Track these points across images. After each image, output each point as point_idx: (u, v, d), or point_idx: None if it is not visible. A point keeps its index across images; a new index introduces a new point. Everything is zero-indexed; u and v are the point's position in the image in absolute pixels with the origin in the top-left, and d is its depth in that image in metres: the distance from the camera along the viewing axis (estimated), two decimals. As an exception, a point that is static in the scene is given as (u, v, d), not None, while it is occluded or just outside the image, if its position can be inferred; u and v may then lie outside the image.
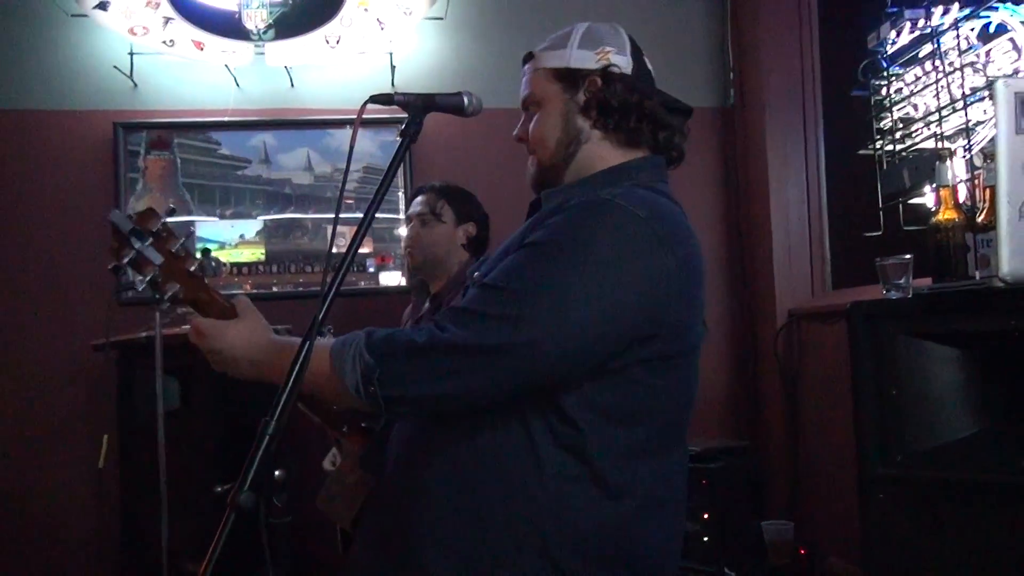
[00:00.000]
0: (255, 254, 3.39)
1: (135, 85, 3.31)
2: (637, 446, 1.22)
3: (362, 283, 3.42)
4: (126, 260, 1.17)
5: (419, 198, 2.58)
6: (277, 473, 1.02)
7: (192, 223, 3.34)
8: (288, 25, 3.31)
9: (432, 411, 1.21)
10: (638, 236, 1.19)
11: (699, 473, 2.75)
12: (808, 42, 3.46)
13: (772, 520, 2.95)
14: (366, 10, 3.34)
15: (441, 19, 3.43)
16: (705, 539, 2.73)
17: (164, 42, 3.23)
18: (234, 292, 3.29)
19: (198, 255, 1.22)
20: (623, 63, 1.40)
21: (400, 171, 3.37)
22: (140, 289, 1.20)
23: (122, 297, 3.13)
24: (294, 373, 1.07)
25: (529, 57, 1.45)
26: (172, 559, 2.40)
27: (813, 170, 3.46)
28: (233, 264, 3.37)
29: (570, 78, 1.39)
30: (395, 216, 3.43)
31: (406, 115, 1.29)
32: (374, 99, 1.29)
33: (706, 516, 2.76)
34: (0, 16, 3.29)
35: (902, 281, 1.92)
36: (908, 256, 1.97)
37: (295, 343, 1.11)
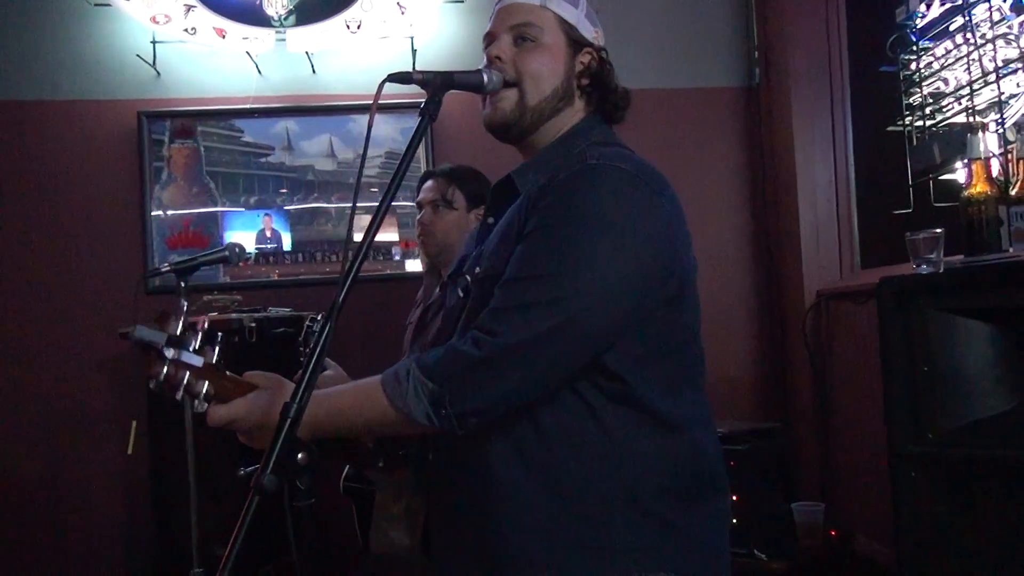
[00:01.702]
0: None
1: (158, 74, 3.33)
2: (676, 378, 1.28)
3: (388, 271, 3.42)
4: (164, 375, 1.13)
5: (428, 183, 2.55)
6: (300, 456, 1.02)
7: (218, 213, 3.36)
8: (309, 11, 3.32)
9: (505, 412, 1.22)
10: (635, 190, 1.23)
11: (728, 455, 2.71)
12: (835, 17, 3.39)
13: (802, 502, 2.93)
14: (386, -6, 3.33)
15: (461, 2, 3.41)
16: (734, 521, 2.70)
17: (186, 30, 3.24)
18: (261, 281, 3.32)
19: (216, 349, 1.18)
20: (606, 52, 1.42)
21: (421, 157, 3.39)
22: (179, 398, 1.17)
23: (149, 285, 3.16)
24: (315, 355, 1.07)
25: None
26: (203, 544, 2.43)
27: (841, 148, 3.41)
28: (259, 253, 3.38)
29: (574, 38, 1.38)
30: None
31: (420, 110, 1.26)
32: (392, 78, 1.27)
33: (735, 498, 2.72)
34: (24, 7, 3.31)
35: (933, 255, 1.89)
36: (939, 230, 1.93)
37: (319, 395, 1.15)
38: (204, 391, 1.17)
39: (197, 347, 1.17)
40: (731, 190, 3.60)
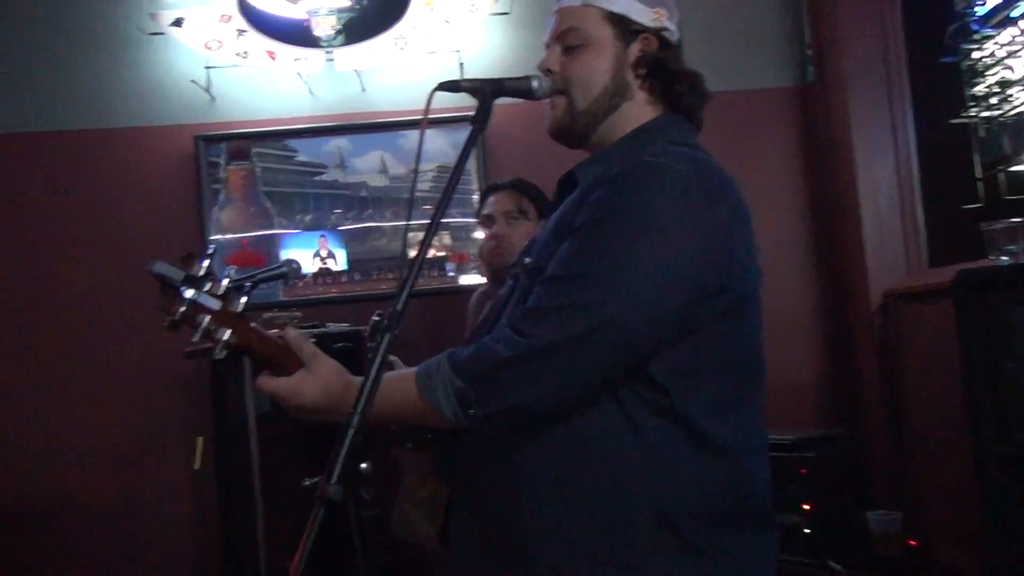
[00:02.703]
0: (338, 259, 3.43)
1: (212, 98, 3.38)
2: (726, 398, 1.20)
3: (441, 285, 3.42)
4: (180, 313, 1.10)
5: (495, 197, 2.54)
6: (363, 466, 1.00)
7: (276, 235, 3.40)
8: (356, 30, 3.35)
9: (534, 417, 1.17)
10: (689, 193, 1.16)
11: (797, 462, 2.66)
12: (890, 9, 3.31)
13: (878, 511, 2.83)
14: (432, 9, 3.35)
15: (507, 14, 3.41)
16: (807, 531, 2.62)
17: (238, 54, 3.30)
18: (319, 299, 3.34)
19: (243, 299, 1.15)
20: (673, 30, 1.35)
21: (472, 171, 3.39)
22: (196, 341, 1.13)
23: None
24: (376, 365, 1.06)
25: None
26: (270, 557, 2.44)
27: (903, 144, 3.31)
28: (316, 275, 3.41)
29: (624, 27, 1.32)
30: (470, 220, 3.41)
31: (471, 118, 1.25)
32: (442, 87, 1.27)
33: (806, 507, 2.65)
34: (82, 39, 3.40)
35: (1013, 246, 1.80)
36: (1019, 219, 1.85)
37: (355, 382, 1.13)
38: (225, 339, 1.13)
39: (220, 293, 1.13)
40: (788, 193, 3.52)
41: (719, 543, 1.17)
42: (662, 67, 1.31)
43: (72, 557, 3.23)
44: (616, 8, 1.32)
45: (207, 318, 1.12)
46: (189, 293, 1.10)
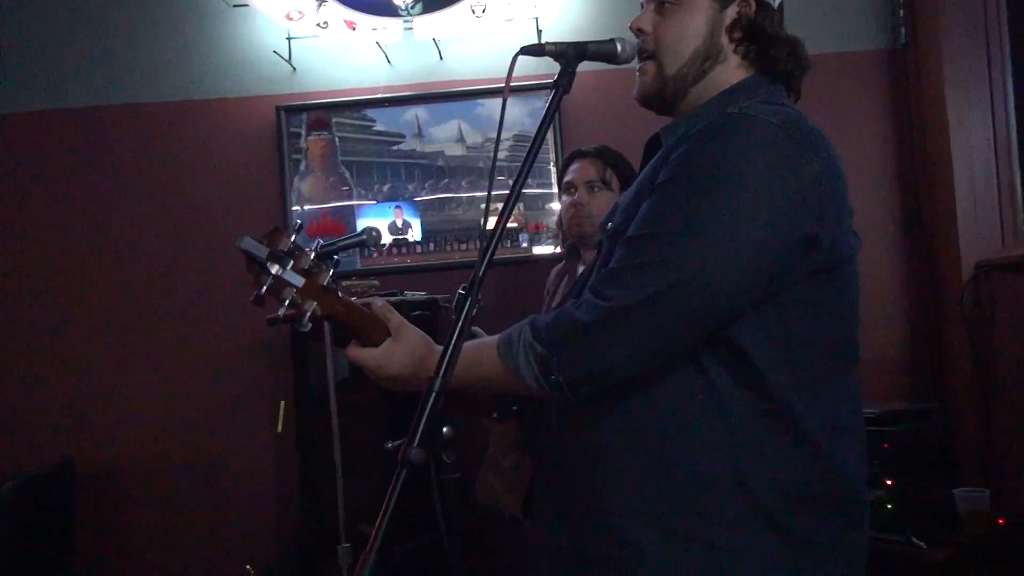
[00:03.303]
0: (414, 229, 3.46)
1: (294, 69, 3.43)
2: (815, 371, 1.15)
3: (516, 255, 3.42)
4: (265, 288, 1.12)
5: (578, 164, 2.51)
6: (445, 429, 1.01)
7: (354, 205, 3.45)
8: (435, -2, 3.34)
9: (619, 380, 1.15)
10: (777, 145, 1.11)
11: (880, 437, 2.58)
12: (990, -35, 3.15)
13: (965, 487, 2.74)
14: (510, -24, 3.31)
15: (586, -21, 3.36)
16: (889, 507, 2.56)
17: (318, 24, 3.32)
18: (396, 267, 3.38)
19: (330, 271, 1.17)
20: None
21: (550, 140, 3.36)
22: (281, 315, 1.14)
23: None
24: (457, 329, 1.07)
25: None
26: (349, 520, 2.50)
27: (1000, 109, 3.15)
28: (392, 245, 3.44)
29: None
30: (546, 191, 3.39)
31: (554, 82, 1.23)
32: (525, 51, 1.25)
33: (889, 483, 2.58)
34: (166, 12, 3.48)
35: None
36: None
37: (438, 349, 1.14)
38: (311, 312, 1.14)
39: (306, 267, 1.14)
40: (875, 159, 3.40)
41: (804, 524, 1.13)
42: (759, 31, 1.26)
43: (162, 514, 3.37)
44: None
45: (292, 291, 1.14)
46: (274, 269, 1.12)
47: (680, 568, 1.13)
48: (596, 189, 2.44)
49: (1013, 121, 3.14)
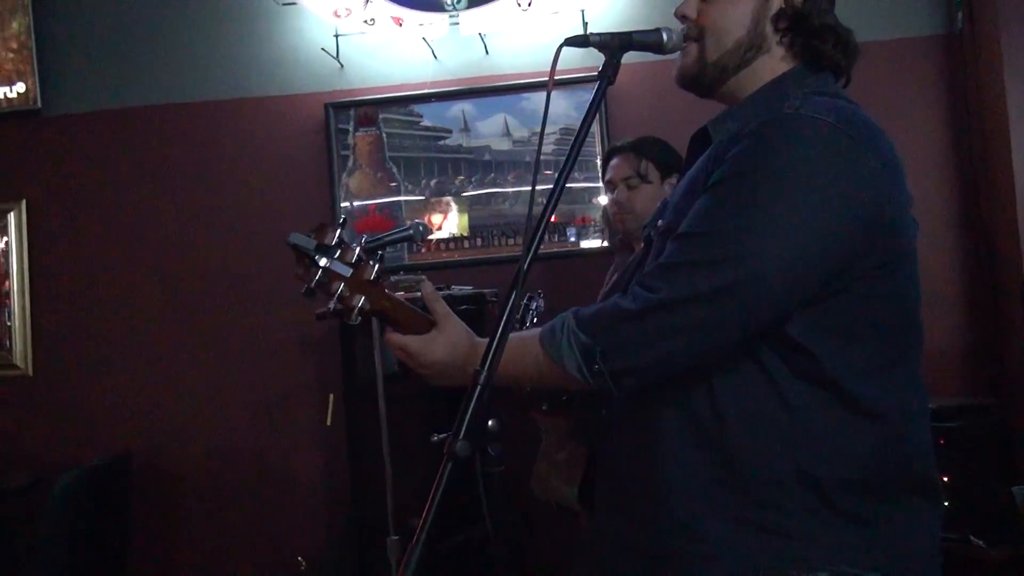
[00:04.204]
0: (460, 224, 3.47)
1: (341, 66, 3.46)
2: (878, 359, 1.14)
3: (564, 248, 3.41)
4: (316, 280, 1.15)
5: (614, 161, 2.49)
6: (491, 423, 1.02)
7: (400, 202, 3.47)
8: (481, -8, 3.34)
9: (662, 375, 1.15)
10: (835, 144, 1.10)
11: (936, 432, 2.52)
12: (1052, -53, 3.05)
13: (1024, 485, 2.67)
14: (556, -31, 3.30)
15: (632, -30, 3.34)
16: (947, 504, 2.50)
17: (365, 21, 3.36)
18: (443, 262, 3.40)
19: (376, 266, 1.19)
20: None
21: (596, 133, 3.35)
22: (332, 308, 1.17)
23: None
24: (502, 322, 1.06)
25: None
26: (397, 512, 2.53)
27: (1062, 95, 3.06)
28: (439, 240, 3.46)
29: None
30: (593, 184, 3.37)
31: (599, 73, 1.22)
32: (569, 42, 1.24)
33: (946, 479, 2.53)
34: (217, 11, 3.55)
35: None
36: None
37: (480, 343, 1.14)
38: (360, 305, 1.16)
39: (353, 260, 1.16)
40: (931, 149, 3.32)
41: (873, 510, 1.12)
42: (804, 22, 1.24)
43: (214, 505, 3.45)
44: None
45: (341, 285, 1.16)
46: (323, 262, 1.15)
47: (755, 558, 1.12)
48: (634, 185, 2.42)
49: (1077, 109, 3.04)
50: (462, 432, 0.99)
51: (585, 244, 3.41)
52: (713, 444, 1.15)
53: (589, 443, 1.65)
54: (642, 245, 1.34)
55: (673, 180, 2.41)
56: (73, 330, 3.52)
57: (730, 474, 1.14)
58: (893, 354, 1.16)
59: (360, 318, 1.18)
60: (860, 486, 1.12)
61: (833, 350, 1.12)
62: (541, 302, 1.79)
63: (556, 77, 1.22)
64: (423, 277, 2.93)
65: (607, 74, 1.22)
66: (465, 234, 3.46)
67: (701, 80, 1.29)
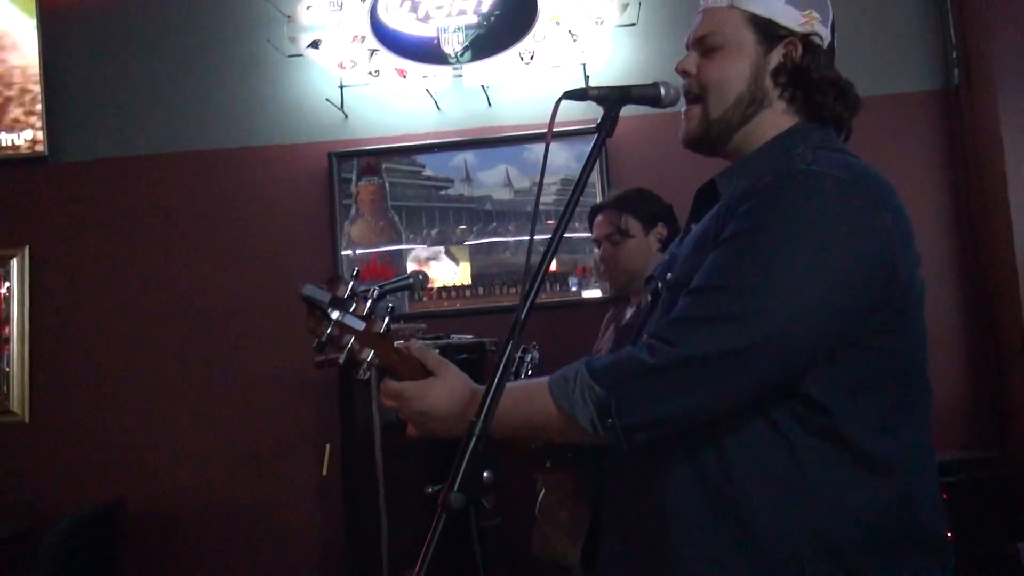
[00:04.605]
0: (462, 272, 3.48)
1: (346, 116, 3.51)
2: (890, 414, 1.13)
3: (565, 298, 3.42)
4: (327, 334, 1.14)
5: (597, 219, 2.52)
6: (485, 474, 1.01)
7: (403, 251, 3.49)
8: (483, 46, 3.40)
9: (676, 431, 1.13)
10: (849, 201, 1.10)
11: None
12: (1046, 5, 3.10)
13: (1030, 541, 2.64)
14: (558, 23, 3.37)
15: (633, 25, 3.38)
16: (951, 560, 2.46)
17: (370, 73, 3.41)
18: (444, 311, 3.40)
19: (386, 319, 1.18)
20: (824, 34, 1.28)
21: (596, 184, 3.37)
22: (341, 361, 1.16)
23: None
24: (499, 372, 1.06)
25: None
26: (393, 563, 2.49)
27: (1058, 150, 3.09)
28: (440, 288, 3.47)
29: (769, 31, 1.25)
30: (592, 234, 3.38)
31: (597, 125, 1.24)
32: (568, 95, 1.26)
33: (949, 535, 2.49)
34: (226, 62, 3.60)
35: None
36: None
37: (481, 391, 1.09)
38: (369, 359, 1.15)
39: (365, 314, 1.15)
40: (931, 202, 3.33)
41: (883, 568, 1.10)
42: (804, 76, 1.25)
43: (208, 554, 3.39)
44: (761, 11, 1.26)
45: (352, 339, 1.15)
46: (335, 315, 1.14)
47: None
48: (617, 241, 2.44)
49: (1073, 162, 3.07)
50: (456, 483, 0.98)
51: (587, 294, 3.42)
52: (723, 503, 1.13)
53: (593, 502, 1.62)
54: (648, 298, 1.33)
55: (660, 230, 2.42)
56: (71, 377, 3.51)
57: (742, 534, 1.12)
58: (903, 410, 1.15)
59: (368, 373, 1.16)
60: (872, 546, 1.10)
61: (846, 406, 1.11)
62: (536, 354, 1.78)
63: (557, 129, 1.23)
64: (422, 325, 2.94)
65: (605, 126, 1.24)
66: (467, 283, 3.47)
67: (707, 139, 1.30)
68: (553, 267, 3.41)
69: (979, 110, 3.22)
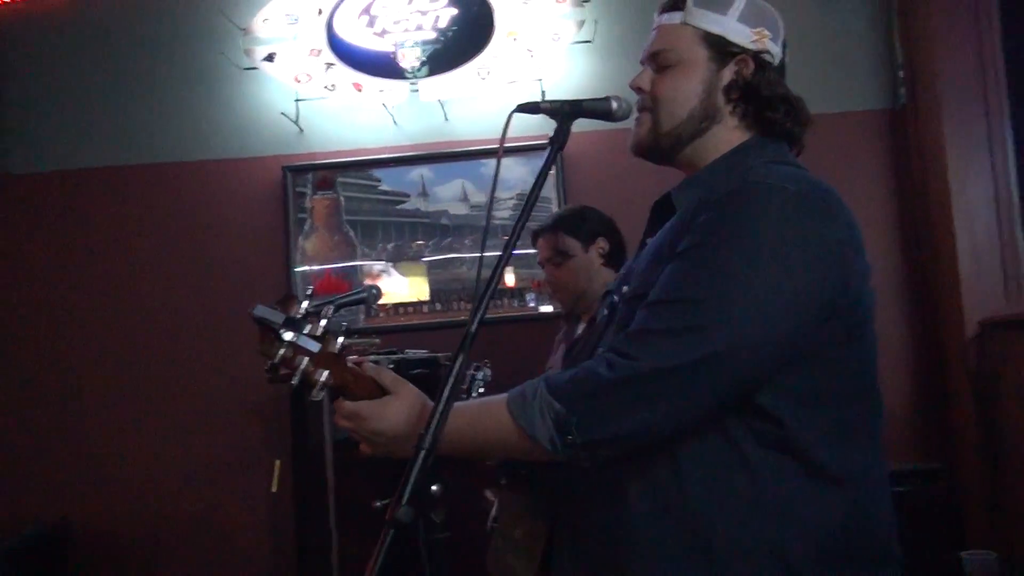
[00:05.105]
0: (419, 287, 3.47)
1: (301, 130, 3.49)
2: (842, 426, 1.14)
3: (521, 312, 3.42)
4: (280, 357, 1.10)
5: (539, 243, 2.54)
6: (434, 488, 1.00)
7: (356, 266, 3.47)
8: (440, 61, 3.41)
9: (638, 446, 1.12)
10: (803, 213, 1.12)
11: (886, 498, 2.54)
12: (988, 27, 3.19)
13: (972, 550, 2.69)
14: (515, 40, 3.39)
15: (589, 42, 3.42)
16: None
17: (326, 87, 3.40)
18: (399, 325, 3.39)
19: (340, 339, 1.14)
20: (775, 52, 1.31)
21: (552, 197, 3.39)
22: (295, 383, 1.12)
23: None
24: (448, 385, 1.06)
25: (673, 7, 1.33)
26: (343, 579, 2.47)
27: (1001, 168, 3.18)
28: (398, 304, 3.45)
29: (721, 48, 1.28)
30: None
31: (550, 139, 1.25)
32: (521, 108, 1.27)
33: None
34: (181, 74, 3.56)
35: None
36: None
37: (457, 407, 1.08)
38: (323, 380, 1.12)
39: (319, 334, 1.12)
40: (878, 218, 3.41)
41: None
42: (755, 92, 1.28)
43: (158, 569, 3.33)
44: (714, 28, 1.29)
45: (305, 360, 1.11)
46: (288, 336, 1.10)
47: None
48: (558, 262, 2.46)
49: (1014, 180, 3.17)
50: (405, 498, 0.98)
51: (544, 308, 3.42)
52: (678, 516, 1.13)
53: (549, 519, 1.61)
54: (604, 312, 1.34)
55: (601, 244, 2.45)
56: (10, 393, 3.43)
57: (697, 549, 1.12)
58: (856, 421, 1.16)
59: (322, 394, 1.13)
60: (832, 558, 1.11)
61: (800, 417, 1.11)
62: (488, 371, 1.77)
63: (512, 144, 1.25)
64: (376, 340, 2.92)
65: (558, 140, 1.25)
66: (424, 298, 3.46)
67: (655, 149, 1.32)
68: (511, 283, 3.42)
69: (924, 129, 3.30)
